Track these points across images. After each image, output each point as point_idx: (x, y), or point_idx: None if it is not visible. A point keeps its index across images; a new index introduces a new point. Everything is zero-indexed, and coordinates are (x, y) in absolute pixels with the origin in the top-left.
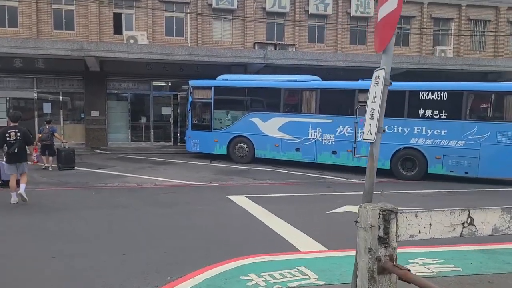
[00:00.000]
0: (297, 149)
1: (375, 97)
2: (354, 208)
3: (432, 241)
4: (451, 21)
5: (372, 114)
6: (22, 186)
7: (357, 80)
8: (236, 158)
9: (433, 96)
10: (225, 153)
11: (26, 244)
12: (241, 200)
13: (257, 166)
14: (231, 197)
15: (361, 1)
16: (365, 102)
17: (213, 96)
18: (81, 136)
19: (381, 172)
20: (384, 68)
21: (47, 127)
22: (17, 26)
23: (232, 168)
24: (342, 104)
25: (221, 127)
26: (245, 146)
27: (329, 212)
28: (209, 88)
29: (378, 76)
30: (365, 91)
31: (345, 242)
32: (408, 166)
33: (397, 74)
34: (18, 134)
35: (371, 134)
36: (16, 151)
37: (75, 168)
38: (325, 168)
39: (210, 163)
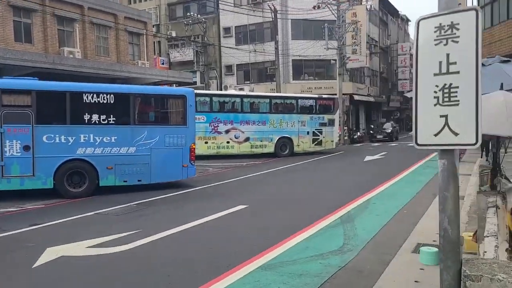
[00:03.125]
0: None
1: (455, 63)
2: (62, 250)
3: None
4: (75, 22)
5: (455, 96)
6: None
7: None
8: None
9: (99, 99)
10: None
11: None
12: None
13: None
14: None
15: None
16: (13, 106)
17: None
18: None
19: (42, 192)
20: (475, 9)
21: None
22: None
23: None
24: None
25: None
26: None
27: (35, 266)
28: None
29: (456, 24)
30: (10, 91)
31: None
32: (76, 181)
33: (24, 75)
34: None
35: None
36: None
37: None
38: None
39: None
